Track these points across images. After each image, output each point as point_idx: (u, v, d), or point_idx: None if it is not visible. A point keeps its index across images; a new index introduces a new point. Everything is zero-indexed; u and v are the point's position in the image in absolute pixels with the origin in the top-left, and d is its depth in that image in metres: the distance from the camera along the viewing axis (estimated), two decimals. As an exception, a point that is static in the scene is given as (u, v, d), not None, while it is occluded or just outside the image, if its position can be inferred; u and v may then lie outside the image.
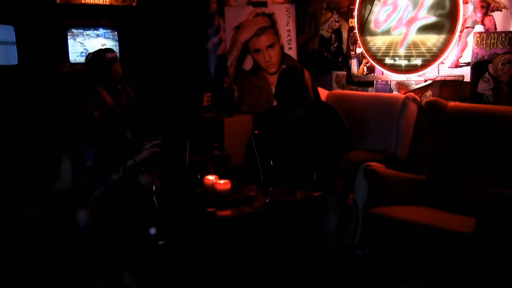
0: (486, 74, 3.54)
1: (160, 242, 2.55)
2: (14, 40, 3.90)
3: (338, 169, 3.35)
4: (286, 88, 3.47)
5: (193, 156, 3.03)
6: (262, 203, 2.88)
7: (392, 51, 3.98)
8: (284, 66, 4.58)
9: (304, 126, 3.45)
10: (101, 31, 4.37)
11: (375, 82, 4.23)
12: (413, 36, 3.84)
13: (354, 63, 4.34)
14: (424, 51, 3.80)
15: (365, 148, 3.78)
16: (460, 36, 3.67)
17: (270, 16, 4.64)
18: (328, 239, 3.20)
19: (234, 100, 4.72)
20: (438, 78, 3.81)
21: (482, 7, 3.57)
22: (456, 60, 3.72)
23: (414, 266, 3.01)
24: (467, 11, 3.63)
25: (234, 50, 4.81)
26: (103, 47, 3.91)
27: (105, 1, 4.35)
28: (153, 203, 2.67)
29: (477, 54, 3.58)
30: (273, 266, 2.90)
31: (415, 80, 3.94)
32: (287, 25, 4.58)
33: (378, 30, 4.05)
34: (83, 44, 4.30)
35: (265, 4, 4.64)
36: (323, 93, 4.02)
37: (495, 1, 3.51)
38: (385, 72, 4.08)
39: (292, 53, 4.59)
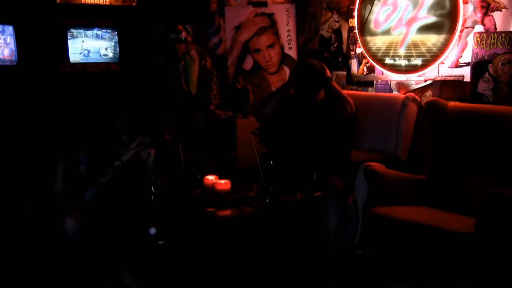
0: (486, 74, 3.53)
1: (160, 242, 2.55)
2: (14, 40, 3.89)
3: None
4: (292, 78, 3.54)
5: (193, 156, 3.03)
6: (262, 203, 2.88)
7: (392, 51, 3.98)
8: (284, 66, 4.60)
9: (302, 120, 3.45)
10: (101, 31, 4.36)
11: (375, 82, 4.22)
12: (413, 36, 3.84)
13: (354, 63, 4.34)
14: (424, 51, 3.80)
15: (365, 148, 3.78)
16: (460, 36, 3.66)
17: (270, 16, 4.64)
18: (328, 239, 3.20)
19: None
20: (438, 78, 3.81)
21: (482, 7, 3.56)
22: (456, 60, 3.72)
23: (414, 266, 3.01)
24: (467, 11, 3.63)
25: (234, 50, 4.81)
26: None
27: (105, 1, 4.34)
28: (150, 200, 2.67)
29: (477, 54, 3.58)
30: (273, 266, 2.90)
31: (415, 80, 3.93)
32: (287, 25, 4.58)
33: (378, 30, 4.05)
34: (83, 44, 4.29)
35: (265, 4, 4.64)
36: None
37: (495, 1, 3.50)
38: (385, 72, 4.08)
39: (292, 53, 4.59)
